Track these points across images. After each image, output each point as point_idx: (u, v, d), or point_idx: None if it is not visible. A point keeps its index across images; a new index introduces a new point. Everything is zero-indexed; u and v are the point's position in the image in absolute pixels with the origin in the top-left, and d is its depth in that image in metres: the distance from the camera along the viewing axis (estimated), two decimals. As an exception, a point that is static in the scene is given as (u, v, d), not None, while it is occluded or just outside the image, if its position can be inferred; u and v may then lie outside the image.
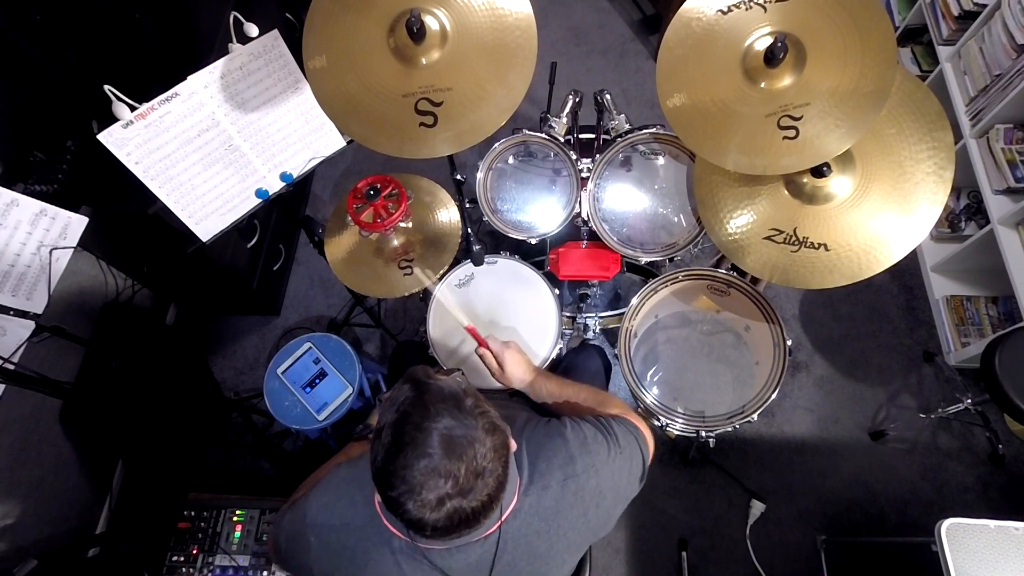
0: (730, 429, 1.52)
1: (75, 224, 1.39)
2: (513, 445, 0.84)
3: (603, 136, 1.78)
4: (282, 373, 1.72)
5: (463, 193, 1.65)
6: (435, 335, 1.59)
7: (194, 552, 1.57)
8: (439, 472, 0.72)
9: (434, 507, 0.72)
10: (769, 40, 1.18)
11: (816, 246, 1.33)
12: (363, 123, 1.25)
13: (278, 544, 0.99)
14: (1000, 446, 2.04)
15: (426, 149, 1.23)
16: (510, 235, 1.69)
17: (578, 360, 1.54)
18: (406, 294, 1.57)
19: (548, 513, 0.91)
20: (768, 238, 1.38)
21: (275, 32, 1.45)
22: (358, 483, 0.92)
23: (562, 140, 1.63)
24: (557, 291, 1.64)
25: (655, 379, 1.64)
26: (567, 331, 1.92)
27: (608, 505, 0.97)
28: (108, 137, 1.29)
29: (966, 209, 2.28)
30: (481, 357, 1.26)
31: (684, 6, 1.23)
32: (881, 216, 1.29)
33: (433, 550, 0.85)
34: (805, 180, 1.33)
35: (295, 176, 1.58)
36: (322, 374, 1.72)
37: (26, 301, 1.33)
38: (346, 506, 0.92)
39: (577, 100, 1.71)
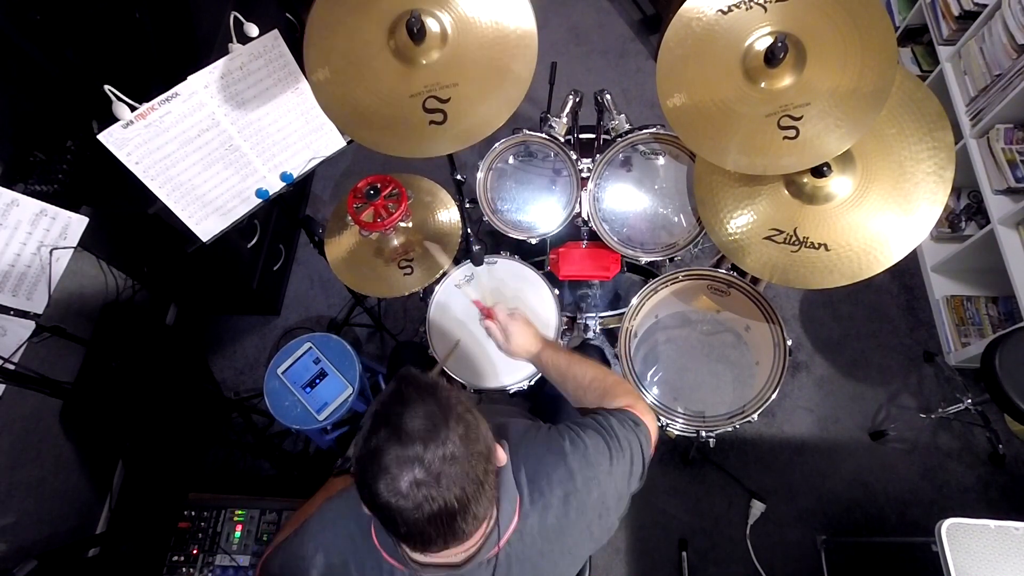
0: (730, 429, 1.52)
1: (75, 224, 1.39)
2: (502, 457, 0.83)
3: (603, 136, 1.77)
4: (282, 373, 1.72)
5: (463, 193, 1.65)
6: (435, 335, 1.59)
7: (194, 552, 1.57)
8: (408, 457, 0.72)
9: (404, 494, 0.71)
10: (769, 40, 1.18)
11: (816, 246, 1.33)
12: (373, 128, 1.24)
13: None
14: (1000, 446, 2.04)
15: (435, 148, 1.23)
16: (510, 235, 1.68)
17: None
18: (406, 294, 1.58)
19: (551, 533, 0.89)
20: (768, 238, 1.38)
21: (275, 32, 1.45)
22: (353, 516, 0.90)
23: (562, 140, 1.63)
24: (557, 291, 1.64)
25: (655, 379, 1.64)
26: (567, 331, 1.92)
27: (611, 513, 0.95)
28: (108, 137, 1.29)
29: (966, 209, 2.28)
30: (487, 329, 1.23)
31: (684, 6, 1.23)
32: (881, 216, 1.29)
33: None
34: (805, 180, 1.33)
35: (295, 176, 1.58)
36: (322, 374, 1.71)
37: (26, 301, 1.32)
38: (345, 542, 0.90)
39: (577, 100, 1.71)
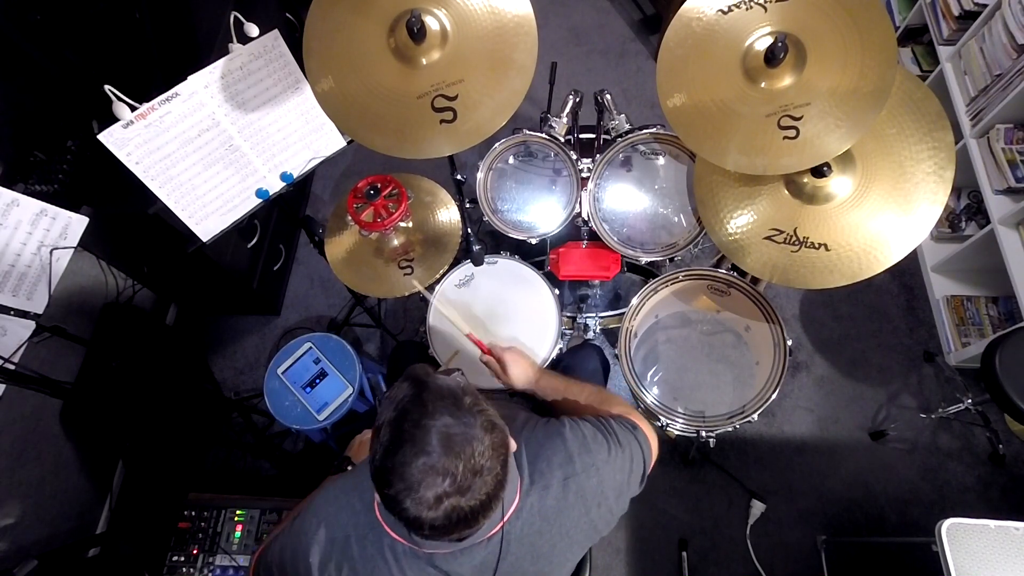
0: (730, 429, 1.52)
1: (75, 224, 1.39)
2: (513, 445, 0.84)
3: (603, 136, 1.77)
4: (282, 373, 1.72)
5: (463, 193, 1.65)
6: (435, 335, 1.59)
7: (194, 552, 1.57)
8: (437, 470, 0.72)
9: (432, 505, 0.72)
10: (769, 40, 1.18)
11: (816, 246, 1.33)
12: (385, 133, 1.24)
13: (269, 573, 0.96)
14: (1000, 446, 2.04)
15: (446, 147, 1.23)
16: (510, 235, 1.68)
17: (576, 359, 1.54)
18: (406, 294, 1.57)
19: (550, 513, 0.91)
20: (768, 238, 1.38)
21: (275, 32, 1.45)
22: (357, 491, 0.92)
23: (562, 140, 1.63)
24: (557, 291, 1.64)
25: (655, 379, 1.64)
26: (567, 331, 1.92)
27: (610, 504, 0.96)
28: (108, 137, 1.29)
29: (966, 209, 2.28)
30: (486, 364, 1.28)
31: (684, 6, 1.23)
32: (881, 216, 1.29)
33: (437, 554, 0.85)
34: (805, 180, 1.33)
35: (295, 176, 1.58)
36: (322, 374, 1.72)
37: (26, 301, 1.33)
38: (347, 516, 0.91)
39: (577, 100, 1.71)
